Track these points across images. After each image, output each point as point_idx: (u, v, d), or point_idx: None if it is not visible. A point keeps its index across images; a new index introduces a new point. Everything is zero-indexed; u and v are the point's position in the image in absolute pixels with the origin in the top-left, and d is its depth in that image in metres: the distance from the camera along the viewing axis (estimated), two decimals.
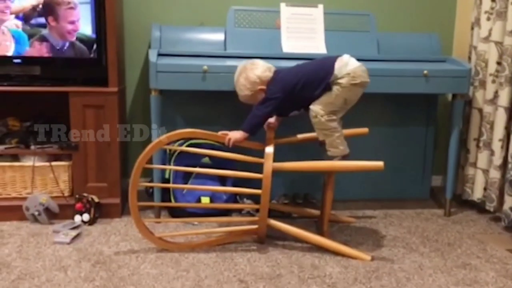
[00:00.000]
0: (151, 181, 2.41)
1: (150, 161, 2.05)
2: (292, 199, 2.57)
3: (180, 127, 2.14)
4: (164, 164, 2.37)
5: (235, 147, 2.08)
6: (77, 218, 2.25)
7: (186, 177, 2.38)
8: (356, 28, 2.57)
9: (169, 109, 2.47)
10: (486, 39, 2.46)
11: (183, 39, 2.49)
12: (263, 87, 2.06)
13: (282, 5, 2.51)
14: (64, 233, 2.12)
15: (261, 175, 1.96)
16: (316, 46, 2.48)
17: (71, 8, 2.16)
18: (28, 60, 2.33)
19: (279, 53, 2.40)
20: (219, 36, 2.50)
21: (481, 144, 2.50)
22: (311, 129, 2.21)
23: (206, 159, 2.38)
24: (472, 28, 2.60)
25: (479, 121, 2.53)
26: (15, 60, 2.31)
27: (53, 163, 2.33)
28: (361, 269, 1.90)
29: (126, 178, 2.47)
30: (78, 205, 2.26)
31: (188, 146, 2.33)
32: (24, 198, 2.28)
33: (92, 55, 2.33)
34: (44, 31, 2.22)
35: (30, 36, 2.25)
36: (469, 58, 2.62)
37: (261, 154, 2.02)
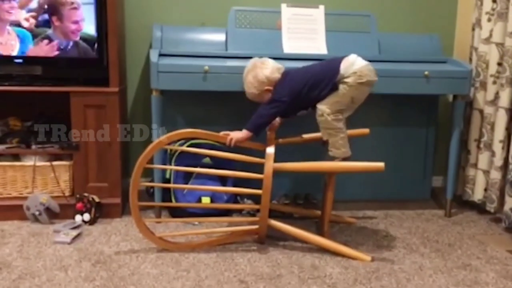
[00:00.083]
0: (152, 181, 2.42)
1: (151, 161, 2.05)
2: (292, 199, 2.57)
3: (180, 127, 2.14)
4: (164, 164, 2.37)
5: (236, 147, 2.08)
6: (78, 218, 2.26)
7: (186, 177, 2.38)
8: (357, 29, 2.57)
9: (170, 109, 2.47)
10: (487, 40, 2.46)
11: (184, 39, 2.49)
12: (270, 87, 2.07)
13: (283, 6, 2.51)
14: (65, 232, 2.12)
15: (262, 175, 1.96)
16: (317, 46, 2.48)
17: (75, 8, 2.19)
18: (30, 60, 2.33)
19: (280, 54, 2.40)
20: (220, 37, 2.50)
21: (481, 145, 2.50)
22: (312, 130, 2.22)
23: (206, 159, 2.38)
24: (473, 29, 2.60)
25: (479, 122, 2.53)
26: (17, 60, 2.32)
27: (54, 163, 2.34)
28: (361, 270, 1.90)
29: (127, 178, 2.48)
30: (79, 205, 2.26)
31: (189, 146, 2.33)
32: (25, 198, 2.28)
33: (94, 54, 2.33)
34: (49, 31, 2.23)
35: (35, 36, 2.26)
36: (470, 59, 2.62)
37: (262, 154, 2.02)
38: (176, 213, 2.39)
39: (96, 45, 2.33)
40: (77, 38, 2.27)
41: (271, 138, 2.09)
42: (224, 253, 2.01)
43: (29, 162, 2.33)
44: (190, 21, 2.69)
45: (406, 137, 2.71)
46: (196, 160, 2.33)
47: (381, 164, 1.94)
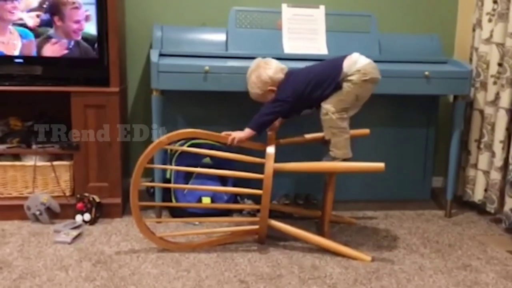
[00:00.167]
0: (152, 181, 2.42)
1: (151, 161, 2.05)
2: (293, 199, 2.57)
3: (181, 127, 2.15)
4: (165, 164, 2.37)
5: (236, 148, 2.08)
6: (78, 217, 2.26)
7: (187, 177, 2.39)
8: (358, 29, 2.57)
9: (170, 109, 2.47)
10: (488, 41, 2.46)
11: (184, 40, 2.49)
12: (274, 88, 2.07)
13: (284, 6, 2.51)
14: (65, 232, 2.12)
15: (262, 176, 1.96)
16: (318, 47, 2.48)
17: (76, 8, 2.20)
18: (30, 60, 2.34)
19: (281, 54, 2.40)
20: (221, 37, 2.50)
21: (482, 146, 2.50)
22: (312, 130, 2.22)
23: (207, 159, 2.38)
24: (474, 30, 2.60)
25: (480, 122, 2.53)
26: (17, 60, 2.32)
27: (55, 163, 2.34)
28: (361, 270, 1.90)
29: (127, 178, 2.48)
30: (79, 204, 2.26)
31: (189, 146, 2.33)
32: (26, 198, 2.28)
33: (95, 54, 2.33)
34: (51, 31, 2.24)
35: (37, 36, 2.27)
36: (470, 60, 2.62)
37: (262, 154, 2.02)
38: (176, 213, 2.39)
39: (96, 45, 2.33)
40: (79, 38, 2.27)
41: (271, 138, 2.09)
42: (225, 253, 2.01)
43: (29, 162, 2.33)
44: (190, 21, 2.69)
45: (406, 137, 2.71)
46: (196, 160, 2.33)
47: (381, 165, 1.94)
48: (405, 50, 2.62)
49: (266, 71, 2.07)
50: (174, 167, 2.29)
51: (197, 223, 2.30)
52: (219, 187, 2.33)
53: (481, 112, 2.52)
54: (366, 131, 2.29)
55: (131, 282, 1.76)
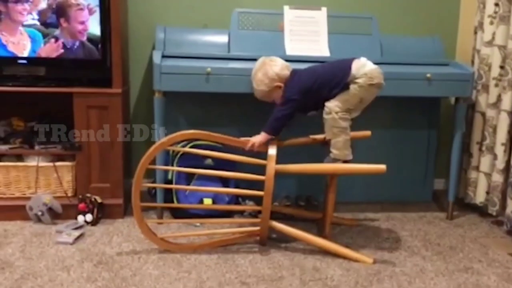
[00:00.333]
0: (154, 182, 2.42)
1: (153, 162, 2.06)
2: (294, 201, 2.57)
3: (183, 128, 2.15)
4: (167, 165, 2.38)
5: (236, 148, 2.09)
6: (80, 218, 2.26)
7: (188, 178, 2.39)
8: (359, 31, 2.58)
9: (172, 110, 2.47)
10: (490, 43, 2.46)
11: (187, 41, 2.50)
12: (281, 84, 2.09)
13: (286, 8, 2.51)
14: (67, 233, 2.13)
15: (264, 177, 1.97)
16: (319, 49, 2.49)
17: (81, 9, 2.26)
18: (34, 61, 2.35)
19: (283, 56, 2.39)
20: (223, 38, 2.51)
21: (483, 148, 2.49)
22: (314, 132, 2.22)
23: (209, 161, 2.39)
24: (476, 32, 2.60)
25: (482, 124, 2.52)
26: (21, 61, 2.33)
27: (57, 164, 2.34)
28: (362, 272, 1.90)
29: (129, 179, 2.48)
30: (81, 205, 2.27)
31: (191, 147, 2.34)
32: (28, 198, 2.29)
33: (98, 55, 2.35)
34: (56, 32, 2.29)
35: (45, 36, 2.30)
36: (472, 62, 2.62)
37: (263, 156, 2.02)
38: (178, 214, 2.39)
39: (99, 46, 2.34)
40: (84, 38, 2.31)
41: (273, 140, 2.09)
42: (226, 255, 2.01)
43: (32, 162, 2.34)
44: (193, 22, 2.70)
45: (408, 139, 2.71)
46: (198, 161, 2.33)
47: (382, 166, 1.95)
48: (407, 52, 2.62)
49: (272, 68, 2.10)
50: (176, 168, 2.30)
51: (198, 224, 2.30)
52: (221, 188, 2.34)
53: (483, 114, 2.51)
54: (367, 133, 2.29)
55: (132, 283, 1.77)
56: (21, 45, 2.26)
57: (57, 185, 2.36)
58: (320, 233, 2.17)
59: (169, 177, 2.42)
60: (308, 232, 2.09)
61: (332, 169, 2.07)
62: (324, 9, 2.54)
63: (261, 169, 1.99)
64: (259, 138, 2.08)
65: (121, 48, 2.32)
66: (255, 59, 2.20)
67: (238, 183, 2.42)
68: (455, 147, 2.48)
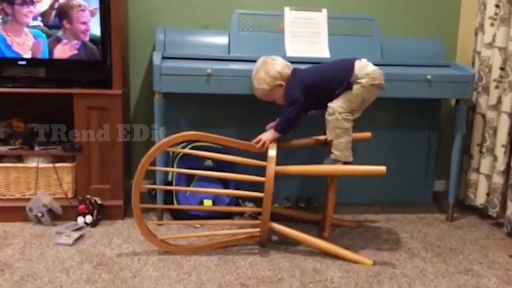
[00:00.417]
0: (154, 183, 2.42)
1: (153, 163, 2.06)
2: (294, 202, 2.57)
3: (183, 130, 2.15)
4: (167, 166, 2.38)
5: (237, 150, 2.09)
6: (80, 219, 2.26)
7: (189, 180, 2.39)
8: (360, 33, 2.57)
9: (172, 111, 2.47)
10: (490, 45, 2.46)
11: (187, 42, 2.50)
12: (282, 83, 2.10)
13: (286, 9, 2.51)
14: (67, 234, 2.13)
15: (264, 178, 1.97)
16: (320, 50, 2.49)
17: (82, 10, 2.29)
18: (33, 62, 2.35)
19: (283, 57, 2.39)
20: (223, 40, 2.51)
21: (484, 150, 2.49)
22: (314, 133, 2.22)
23: (209, 162, 2.39)
24: (476, 34, 2.60)
25: (482, 126, 2.52)
26: (20, 62, 2.33)
27: (57, 165, 2.34)
28: (362, 274, 1.90)
29: (129, 180, 2.48)
30: (81, 206, 2.27)
31: (191, 149, 2.34)
32: (28, 199, 2.29)
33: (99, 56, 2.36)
34: (59, 33, 2.32)
35: (48, 37, 2.33)
36: (473, 64, 2.62)
37: (263, 157, 2.02)
38: (178, 215, 2.39)
39: (99, 47, 2.34)
40: (87, 39, 2.32)
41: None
42: (226, 256, 2.01)
43: (32, 163, 2.34)
44: (193, 24, 2.70)
45: (408, 141, 2.70)
46: (198, 162, 2.33)
47: (382, 168, 1.95)
48: (407, 54, 2.62)
49: (274, 66, 2.11)
50: (176, 170, 2.29)
51: (198, 225, 2.30)
52: (221, 190, 2.34)
53: (483, 116, 2.51)
54: (368, 134, 2.29)
55: (132, 285, 1.76)
56: (26, 46, 2.30)
57: (57, 186, 2.36)
58: (320, 235, 2.17)
59: (169, 178, 2.42)
60: (308, 233, 2.08)
61: (332, 170, 2.07)
62: (324, 11, 2.54)
63: (261, 171, 1.99)
64: (269, 135, 2.09)
65: (121, 49, 2.32)
66: (255, 60, 2.20)
67: (238, 185, 2.42)
68: (456, 149, 2.48)
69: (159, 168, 2.24)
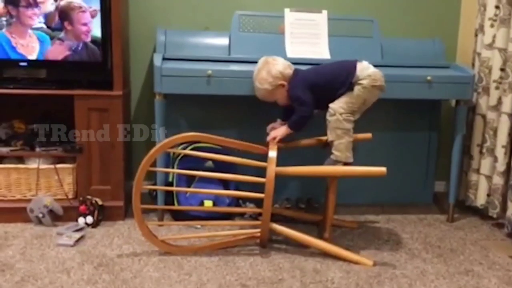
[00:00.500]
0: (155, 184, 2.42)
1: (154, 164, 2.06)
2: (295, 203, 2.58)
3: (183, 131, 2.15)
4: (167, 167, 2.38)
5: (237, 151, 2.09)
6: (81, 220, 2.27)
7: (189, 181, 2.39)
8: (360, 34, 2.58)
9: (172, 113, 2.48)
10: (490, 46, 2.46)
11: (187, 44, 2.50)
12: (284, 82, 2.11)
13: (286, 11, 2.52)
14: (68, 235, 2.13)
15: (264, 179, 1.97)
16: (320, 51, 2.49)
17: (83, 11, 2.31)
18: (34, 63, 2.35)
19: (283, 58, 2.40)
20: (224, 41, 2.51)
21: (484, 150, 2.49)
22: (315, 134, 2.22)
23: (209, 163, 2.39)
24: (476, 35, 2.60)
25: (482, 127, 2.52)
26: (21, 63, 2.34)
27: (58, 166, 2.35)
28: (363, 274, 1.90)
29: (130, 181, 2.48)
30: (82, 207, 2.27)
31: (191, 149, 2.34)
32: (29, 200, 2.29)
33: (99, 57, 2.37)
34: (61, 34, 2.33)
35: (51, 38, 2.34)
36: (473, 65, 2.62)
37: (264, 158, 2.03)
38: (178, 216, 2.39)
39: (100, 48, 2.34)
40: (88, 39, 2.34)
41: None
42: (226, 257, 2.01)
43: (33, 164, 2.34)
44: (193, 25, 2.70)
45: (408, 141, 2.71)
46: (198, 163, 2.34)
47: (383, 169, 1.95)
48: (408, 55, 2.62)
49: (276, 66, 2.12)
50: (176, 170, 2.30)
51: (199, 226, 2.30)
52: (221, 191, 2.34)
53: (483, 117, 2.52)
54: (368, 135, 2.29)
55: (133, 286, 1.77)
56: (30, 48, 2.32)
57: (58, 187, 2.36)
58: (321, 236, 2.17)
59: (170, 179, 2.43)
60: (308, 234, 2.09)
61: (333, 171, 2.07)
62: (324, 12, 2.55)
63: (261, 171, 2.00)
64: (283, 131, 2.11)
65: (122, 50, 2.33)
66: (255, 62, 2.20)
67: (238, 185, 2.43)
68: (456, 150, 2.48)
69: (160, 169, 2.24)
